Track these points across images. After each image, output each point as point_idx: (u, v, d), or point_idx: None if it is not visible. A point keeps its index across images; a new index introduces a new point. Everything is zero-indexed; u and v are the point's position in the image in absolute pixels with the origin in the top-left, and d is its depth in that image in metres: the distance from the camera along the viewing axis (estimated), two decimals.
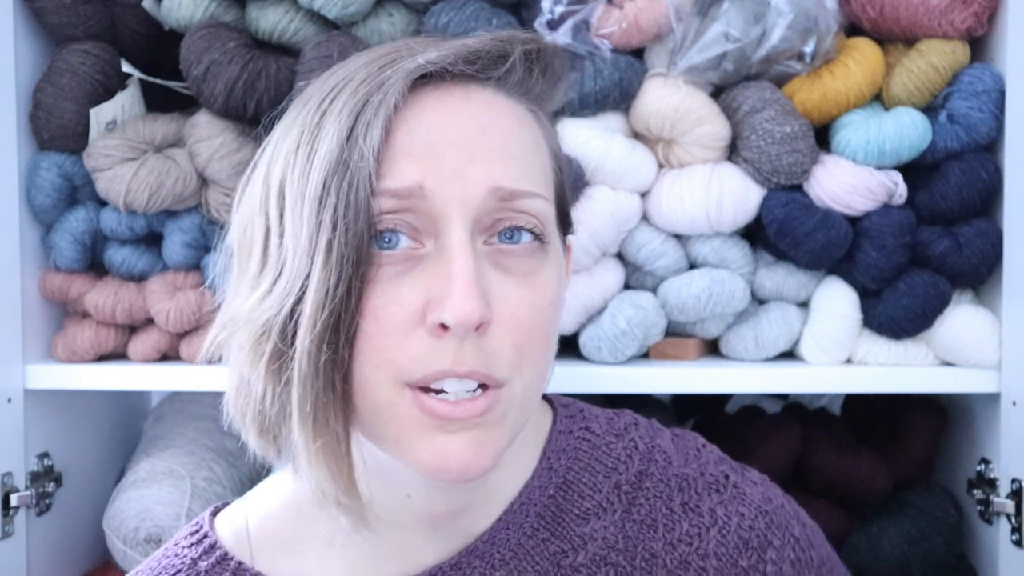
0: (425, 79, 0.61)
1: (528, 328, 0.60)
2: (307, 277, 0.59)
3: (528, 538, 0.70)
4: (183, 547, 0.72)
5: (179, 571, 0.71)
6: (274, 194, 0.63)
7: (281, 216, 0.62)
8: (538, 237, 0.62)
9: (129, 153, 1.06)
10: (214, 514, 0.75)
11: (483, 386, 0.59)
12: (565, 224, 0.69)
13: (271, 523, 0.72)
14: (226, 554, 0.70)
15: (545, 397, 0.78)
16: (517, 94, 0.65)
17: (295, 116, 0.65)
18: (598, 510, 0.71)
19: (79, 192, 1.10)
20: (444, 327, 0.57)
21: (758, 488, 0.74)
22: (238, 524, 0.73)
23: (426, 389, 0.59)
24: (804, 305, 1.10)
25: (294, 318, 0.59)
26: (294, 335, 0.59)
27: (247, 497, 0.76)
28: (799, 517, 0.75)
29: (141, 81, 1.12)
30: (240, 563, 0.70)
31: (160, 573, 0.71)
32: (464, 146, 0.60)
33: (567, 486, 0.72)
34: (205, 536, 0.72)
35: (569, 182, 0.71)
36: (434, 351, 0.58)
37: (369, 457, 0.64)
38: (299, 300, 0.59)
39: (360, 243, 0.58)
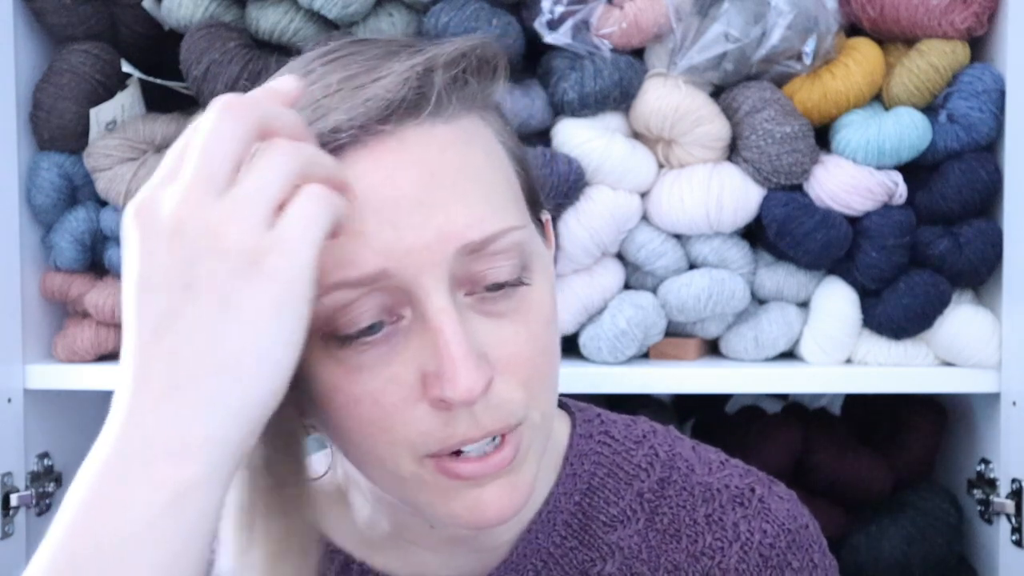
0: (347, 140, 0.54)
1: (531, 362, 0.57)
2: None
3: (557, 547, 0.69)
4: None
5: None
6: None
7: None
8: (520, 280, 0.57)
9: (129, 153, 1.06)
10: None
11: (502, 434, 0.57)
12: (536, 206, 0.64)
13: (320, 496, 0.71)
14: None
15: (560, 402, 0.77)
16: (458, 111, 0.58)
17: None
18: (622, 518, 0.71)
19: (79, 192, 1.10)
20: (447, 401, 0.54)
21: (784, 504, 0.73)
22: None
23: (447, 456, 0.56)
24: (804, 305, 1.10)
25: None
26: None
27: None
28: (821, 544, 0.74)
29: (141, 81, 1.12)
30: None
31: None
32: (416, 207, 0.53)
33: (592, 492, 0.71)
34: None
35: (531, 165, 0.64)
36: (444, 424, 0.55)
37: (388, 496, 0.63)
38: None
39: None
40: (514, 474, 0.58)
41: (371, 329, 0.54)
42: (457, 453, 0.56)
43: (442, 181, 0.54)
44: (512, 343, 0.56)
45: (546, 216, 0.67)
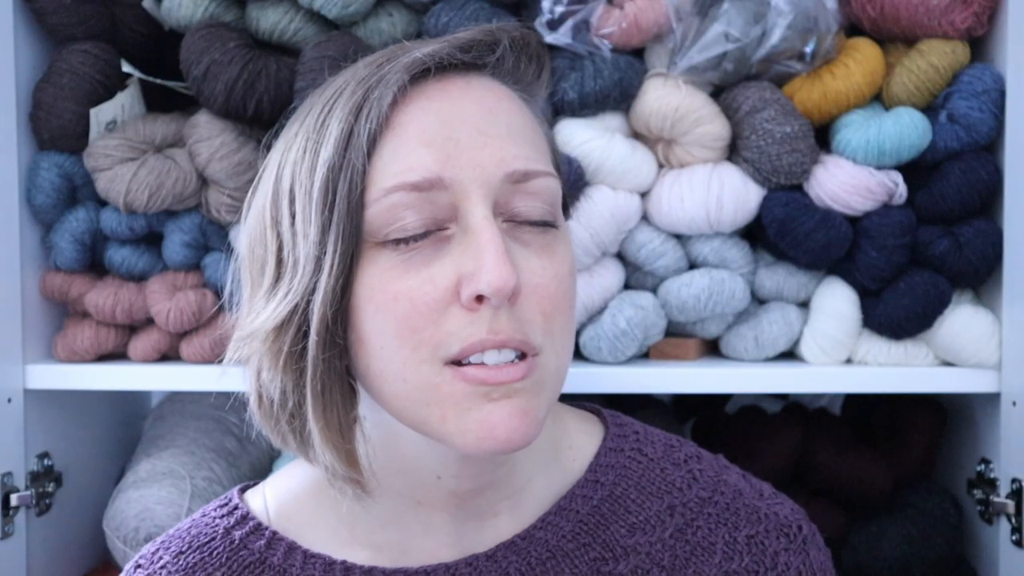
0: (425, 72, 0.63)
1: (554, 296, 0.63)
2: (318, 271, 0.61)
3: (568, 541, 0.71)
4: (214, 517, 0.74)
5: (212, 539, 0.72)
6: (285, 203, 0.64)
7: (293, 222, 0.63)
8: (550, 223, 0.65)
9: (129, 153, 1.06)
10: (241, 491, 0.77)
11: (520, 356, 0.61)
12: (564, 209, 0.71)
13: (295, 502, 0.74)
14: (259, 524, 0.72)
15: (598, 412, 0.80)
16: (510, 82, 0.68)
17: (300, 124, 0.66)
18: (645, 526, 0.72)
19: (79, 192, 1.10)
20: (479, 300, 0.60)
21: (822, 556, 0.75)
22: (266, 500, 0.75)
23: (466, 363, 0.61)
24: (804, 305, 1.10)
25: (308, 311, 0.62)
26: (307, 331, 0.62)
27: (272, 478, 0.78)
28: None
29: (141, 81, 1.12)
30: (275, 532, 0.72)
31: (191, 542, 0.72)
32: (475, 133, 0.62)
33: (613, 499, 0.73)
34: (236, 508, 0.74)
35: (564, 171, 0.72)
36: (469, 324, 0.60)
37: (401, 443, 0.66)
38: (312, 292, 0.62)
39: (360, 233, 0.61)
40: (526, 400, 0.61)
41: (417, 235, 0.61)
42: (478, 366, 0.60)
43: (498, 119, 0.64)
44: (539, 275, 0.63)
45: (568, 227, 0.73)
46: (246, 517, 0.73)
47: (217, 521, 0.73)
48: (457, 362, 0.61)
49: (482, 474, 0.68)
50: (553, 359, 0.63)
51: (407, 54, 0.64)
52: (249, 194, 0.70)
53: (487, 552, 0.69)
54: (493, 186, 0.62)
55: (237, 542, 0.71)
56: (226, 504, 0.75)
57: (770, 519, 0.73)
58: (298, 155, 0.64)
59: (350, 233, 0.61)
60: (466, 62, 0.64)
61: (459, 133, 0.62)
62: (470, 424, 0.60)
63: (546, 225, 0.64)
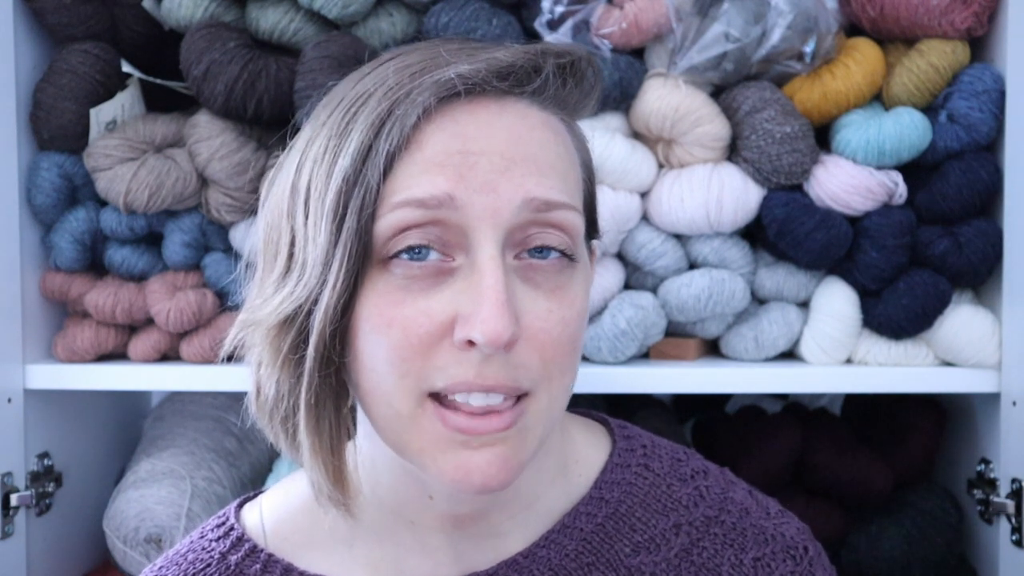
0: (456, 93, 0.60)
1: (556, 342, 0.60)
2: (323, 283, 0.60)
3: (571, 560, 0.70)
4: (210, 540, 0.72)
5: (208, 565, 0.71)
6: (301, 200, 0.63)
7: (306, 222, 0.62)
8: (567, 255, 0.62)
9: (129, 153, 1.06)
10: (239, 507, 0.75)
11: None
12: (592, 230, 0.69)
13: (292, 520, 0.72)
14: (255, 546, 0.71)
15: (606, 423, 0.78)
16: (551, 106, 0.64)
17: (324, 118, 0.64)
18: (650, 544, 0.71)
19: (79, 192, 1.10)
20: (471, 343, 0.57)
21: (827, 574, 0.75)
22: (263, 518, 0.73)
23: (449, 402, 0.59)
24: (804, 305, 1.10)
25: (310, 319, 0.60)
26: (307, 337, 0.61)
27: (269, 493, 0.76)
28: None
29: (141, 81, 1.12)
30: (271, 555, 0.70)
31: (187, 568, 0.71)
32: (497, 157, 0.59)
33: (618, 517, 0.72)
34: (232, 529, 0.72)
35: (595, 198, 0.70)
36: (458, 363, 0.58)
37: (392, 460, 0.65)
38: (315, 303, 0.60)
39: (369, 251, 0.59)
40: (508, 447, 0.60)
41: (422, 253, 0.59)
42: (461, 407, 0.59)
43: (527, 148, 0.61)
44: (543, 319, 0.60)
45: (595, 246, 0.72)
46: (241, 539, 0.71)
47: (213, 544, 0.72)
48: (441, 395, 0.59)
49: (475, 501, 0.67)
50: (546, 400, 0.61)
51: (440, 69, 0.60)
52: (273, 172, 0.68)
53: (488, 570, 0.68)
54: (507, 215, 0.59)
55: (233, 568, 0.70)
56: (222, 524, 0.73)
57: (777, 540, 0.72)
58: (319, 153, 0.62)
59: (357, 251, 0.59)
60: (502, 89, 0.61)
61: (479, 156, 0.59)
62: (446, 465, 0.59)
63: (563, 256, 0.62)
